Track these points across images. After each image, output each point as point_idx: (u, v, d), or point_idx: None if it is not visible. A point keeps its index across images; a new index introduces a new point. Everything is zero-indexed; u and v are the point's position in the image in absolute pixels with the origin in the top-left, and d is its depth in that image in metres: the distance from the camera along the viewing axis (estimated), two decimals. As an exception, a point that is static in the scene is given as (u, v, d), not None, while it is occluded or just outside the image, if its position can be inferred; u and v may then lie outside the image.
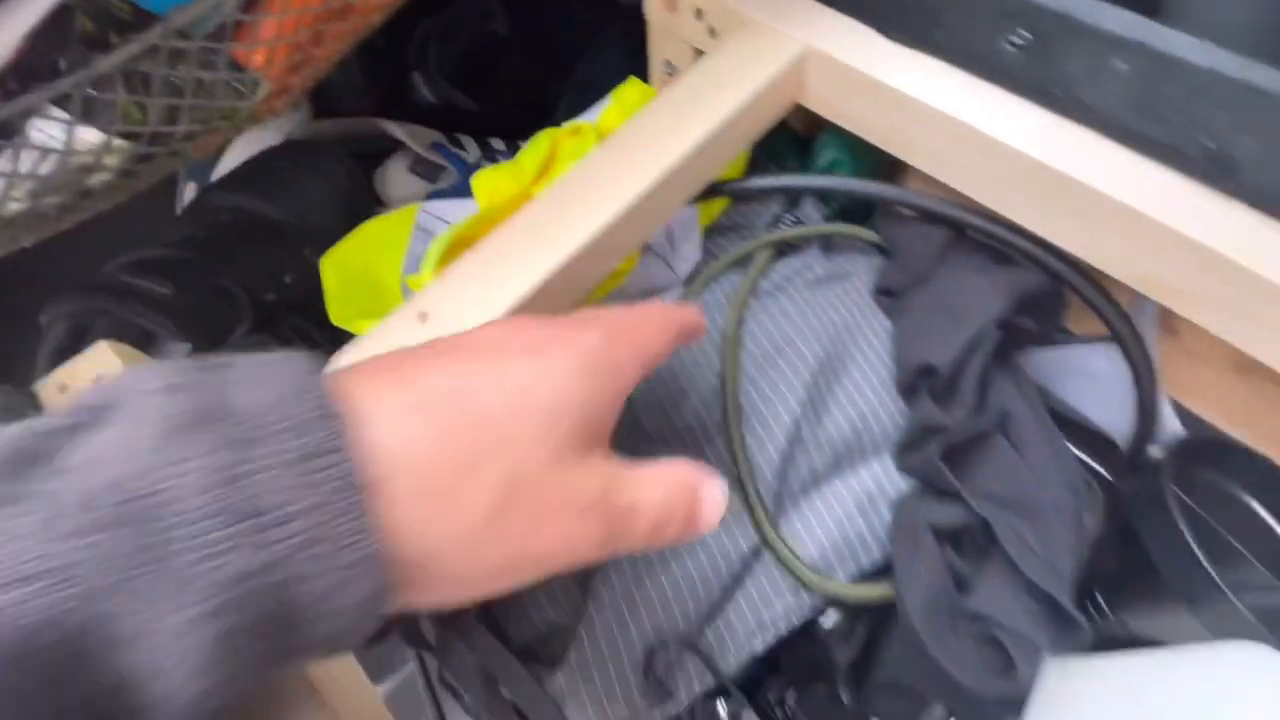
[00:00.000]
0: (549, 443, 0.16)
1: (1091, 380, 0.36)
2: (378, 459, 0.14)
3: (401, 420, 0.15)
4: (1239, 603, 0.30)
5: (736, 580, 0.27)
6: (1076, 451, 0.34)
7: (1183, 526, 0.31)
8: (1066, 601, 0.24)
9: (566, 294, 0.26)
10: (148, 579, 0.12)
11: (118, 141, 0.25)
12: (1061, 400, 0.36)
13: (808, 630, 0.30)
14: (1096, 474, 0.34)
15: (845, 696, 0.29)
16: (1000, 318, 0.28)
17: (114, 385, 0.14)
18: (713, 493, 0.19)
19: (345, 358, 0.24)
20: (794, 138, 0.41)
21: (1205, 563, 0.31)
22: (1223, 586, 0.30)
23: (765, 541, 0.28)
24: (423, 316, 0.25)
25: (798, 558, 0.27)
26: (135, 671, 0.13)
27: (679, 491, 0.18)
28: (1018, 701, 0.24)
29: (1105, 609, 0.38)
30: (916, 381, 0.29)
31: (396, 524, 0.15)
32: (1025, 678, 0.23)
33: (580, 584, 0.27)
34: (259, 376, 0.15)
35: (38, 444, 0.13)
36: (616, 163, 0.28)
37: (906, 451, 0.29)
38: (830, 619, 0.30)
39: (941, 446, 0.26)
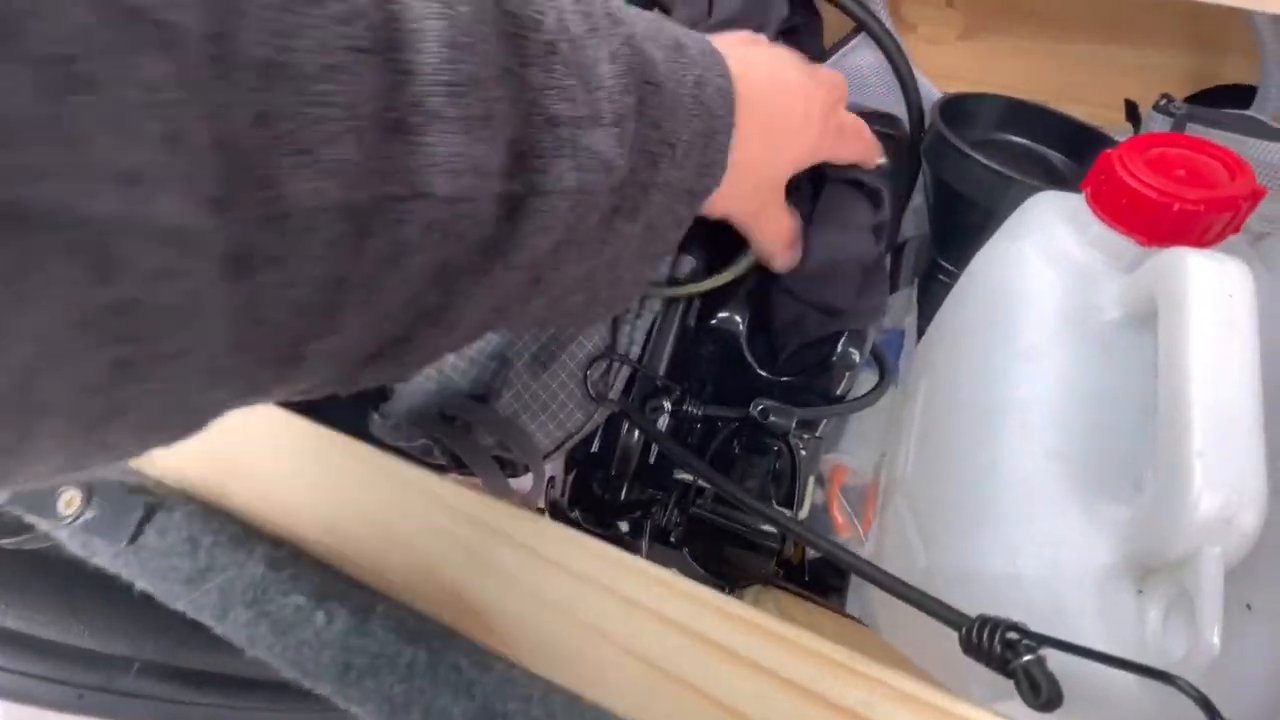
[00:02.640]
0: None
1: (862, 81, 0.43)
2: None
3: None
4: (1032, 180, 0.37)
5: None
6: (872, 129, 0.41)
7: (964, 147, 0.38)
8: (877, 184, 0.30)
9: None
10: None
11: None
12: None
13: (709, 336, 0.34)
14: (890, 140, 0.40)
15: (751, 358, 0.34)
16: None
17: None
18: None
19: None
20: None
21: (995, 166, 0.38)
22: (1017, 176, 0.38)
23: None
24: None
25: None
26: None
27: None
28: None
29: (952, 269, 0.46)
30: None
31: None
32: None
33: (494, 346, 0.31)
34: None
35: None
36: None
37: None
38: (721, 314, 0.34)
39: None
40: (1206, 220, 0.27)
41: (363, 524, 0.19)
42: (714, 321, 0.34)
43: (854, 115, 0.31)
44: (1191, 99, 0.42)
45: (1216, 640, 0.20)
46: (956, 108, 0.43)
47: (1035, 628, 0.24)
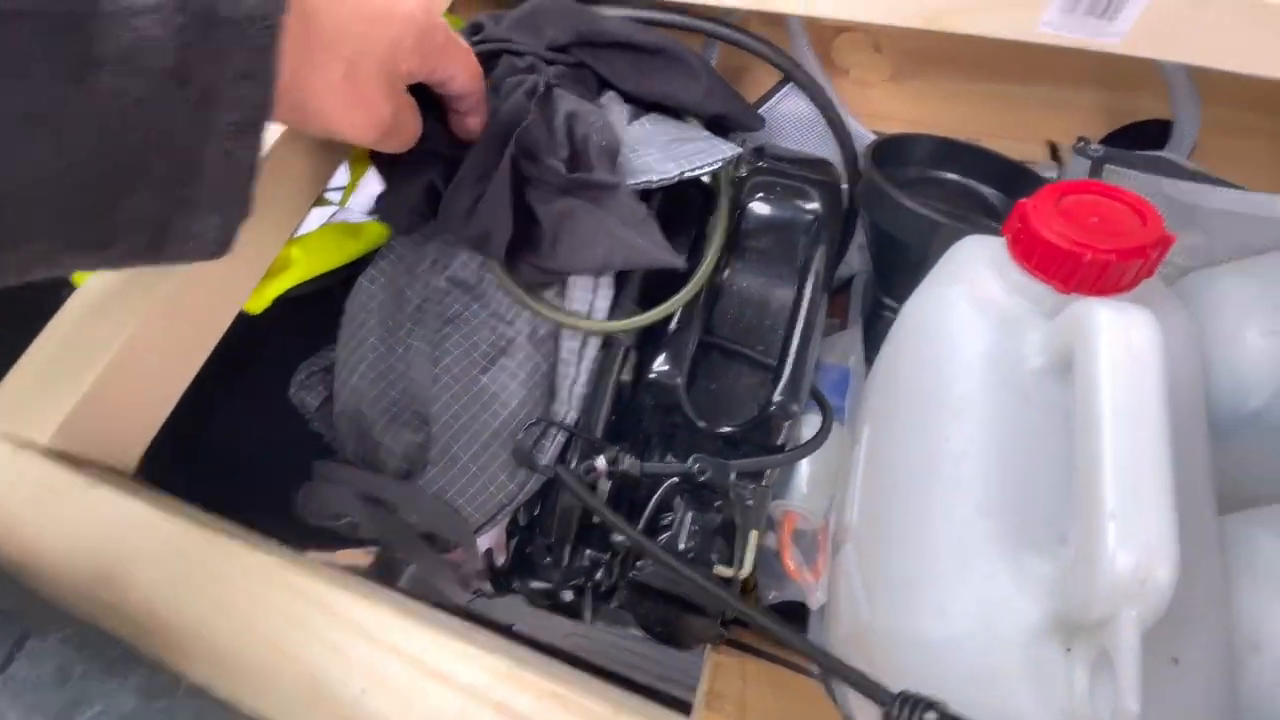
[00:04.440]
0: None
1: (794, 127, 0.43)
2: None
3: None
4: (965, 224, 0.38)
5: (545, 357, 0.31)
6: (807, 175, 0.41)
7: (894, 192, 0.39)
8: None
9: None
10: None
11: None
12: (781, 146, 0.43)
13: (648, 391, 0.34)
14: (825, 186, 0.41)
15: (691, 412, 0.34)
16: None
17: None
18: None
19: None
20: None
21: (924, 210, 0.38)
22: (943, 219, 0.38)
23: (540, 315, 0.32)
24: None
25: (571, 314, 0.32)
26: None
27: None
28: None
29: (895, 305, 0.46)
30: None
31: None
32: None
33: (418, 417, 0.30)
34: None
35: None
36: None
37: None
38: (658, 367, 0.34)
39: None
40: (1120, 268, 0.27)
41: (250, 638, 0.18)
42: (651, 375, 0.34)
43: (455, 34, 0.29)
44: (1111, 135, 0.43)
45: (1135, 706, 0.20)
46: (888, 149, 0.43)
47: (968, 692, 0.24)
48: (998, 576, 0.25)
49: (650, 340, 0.35)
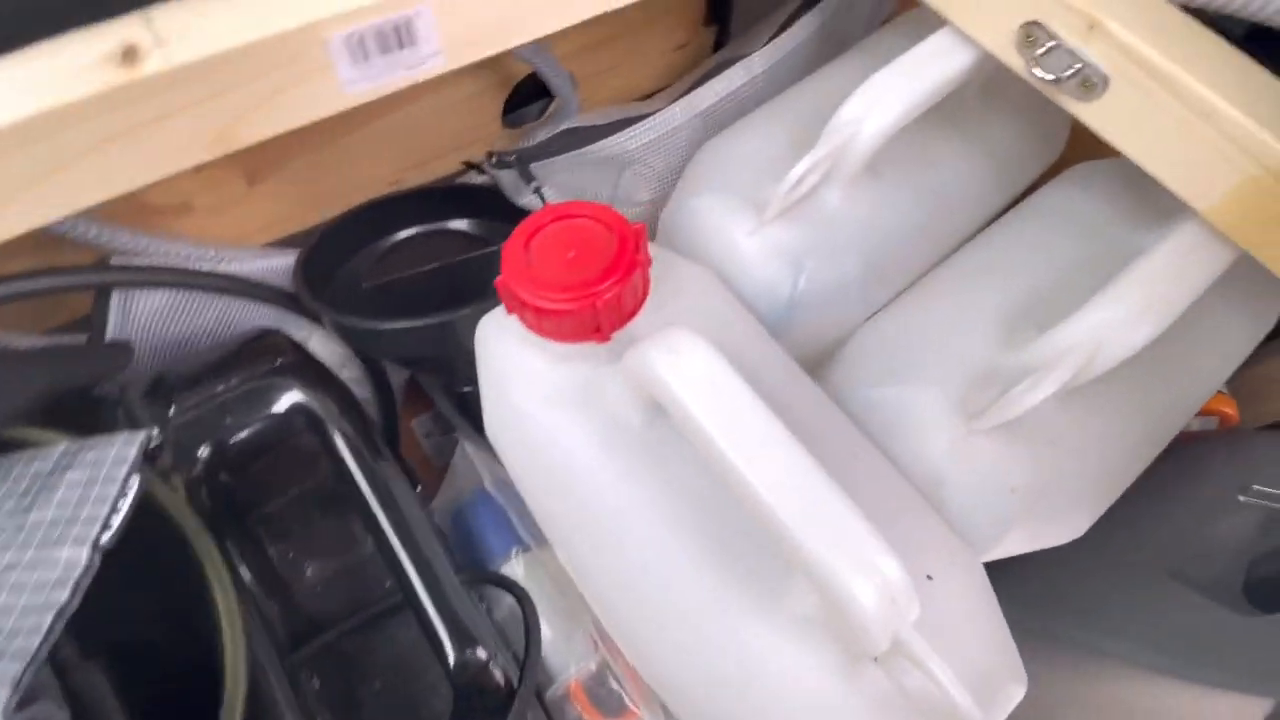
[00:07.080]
0: None
1: (182, 313, 0.30)
2: None
3: None
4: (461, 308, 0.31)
5: None
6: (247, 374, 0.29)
7: (368, 324, 0.30)
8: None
9: None
10: None
11: None
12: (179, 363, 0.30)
13: None
14: (285, 367, 0.30)
15: None
16: None
17: None
18: None
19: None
20: None
21: (417, 323, 0.30)
22: (447, 317, 0.31)
23: None
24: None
25: None
26: None
27: None
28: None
29: (463, 389, 0.40)
30: None
31: None
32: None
33: None
34: None
35: None
36: None
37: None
38: None
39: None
40: (631, 289, 0.24)
41: None
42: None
43: None
44: (509, 102, 0.40)
45: (962, 697, 0.19)
46: (320, 260, 0.34)
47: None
48: (782, 652, 0.22)
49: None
